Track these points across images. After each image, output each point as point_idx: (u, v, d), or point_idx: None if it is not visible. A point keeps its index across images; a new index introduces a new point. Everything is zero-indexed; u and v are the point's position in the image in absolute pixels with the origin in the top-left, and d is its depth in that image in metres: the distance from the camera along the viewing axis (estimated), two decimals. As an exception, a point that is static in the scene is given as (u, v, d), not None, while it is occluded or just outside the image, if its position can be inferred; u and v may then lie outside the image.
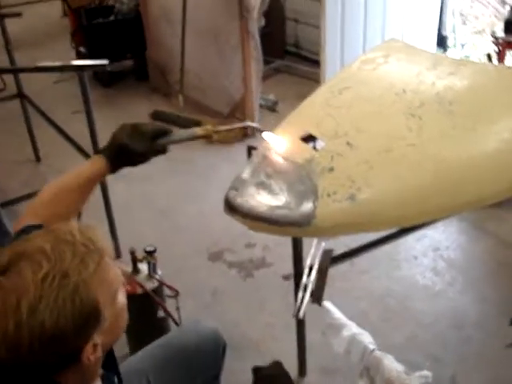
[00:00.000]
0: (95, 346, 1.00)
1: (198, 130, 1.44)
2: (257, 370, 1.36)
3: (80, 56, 4.85)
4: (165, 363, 1.55)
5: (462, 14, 4.50)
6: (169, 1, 4.25)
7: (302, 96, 1.89)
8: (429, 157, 1.48)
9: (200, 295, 2.61)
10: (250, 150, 1.69)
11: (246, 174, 1.51)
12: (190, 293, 2.47)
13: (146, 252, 2.17)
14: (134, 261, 2.17)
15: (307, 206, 1.38)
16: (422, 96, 1.64)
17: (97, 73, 4.75)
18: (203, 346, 1.59)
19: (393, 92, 1.67)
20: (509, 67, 2.61)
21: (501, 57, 3.23)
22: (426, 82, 1.71)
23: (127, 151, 1.35)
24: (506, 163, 1.56)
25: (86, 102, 2.56)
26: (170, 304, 2.19)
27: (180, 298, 2.19)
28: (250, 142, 3.61)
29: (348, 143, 1.49)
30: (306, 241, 1.85)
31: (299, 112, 1.73)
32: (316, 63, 4.08)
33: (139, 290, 2.10)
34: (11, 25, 3.53)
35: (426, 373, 1.59)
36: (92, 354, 0.99)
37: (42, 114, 3.36)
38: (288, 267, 2.07)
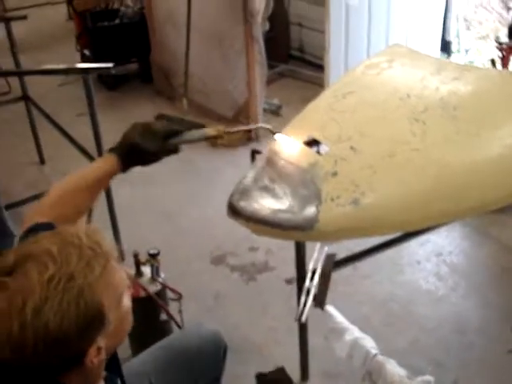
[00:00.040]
0: (99, 349, 1.00)
1: (209, 131, 1.44)
2: (260, 376, 1.36)
3: (85, 59, 4.88)
4: (167, 365, 1.55)
5: (466, 20, 4.50)
6: (174, 5, 4.26)
7: (306, 100, 1.89)
8: (432, 162, 1.48)
9: (203, 298, 2.61)
10: (254, 153, 1.69)
11: (249, 178, 1.51)
12: (192, 296, 2.47)
13: (149, 255, 2.17)
14: (138, 264, 2.17)
15: (310, 210, 1.38)
16: (425, 101, 1.64)
17: (101, 76, 4.76)
18: (205, 348, 1.59)
19: (397, 97, 1.68)
20: (513, 73, 2.61)
21: (505, 62, 3.23)
22: (429, 87, 1.71)
23: (138, 150, 1.35)
24: (509, 169, 1.57)
25: (91, 104, 2.57)
26: (172, 307, 2.19)
27: (183, 301, 2.19)
28: (254, 145, 3.61)
29: (352, 148, 1.49)
30: (308, 245, 1.85)
31: (303, 116, 1.74)
32: (320, 68, 4.09)
33: (142, 293, 2.10)
34: (17, 28, 3.54)
35: (428, 378, 1.58)
36: (95, 357, 1.00)
37: (47, 116, 3.37)
38: (291, 271, 2.07)
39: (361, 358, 1.69)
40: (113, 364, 1.18)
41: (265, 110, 4.09)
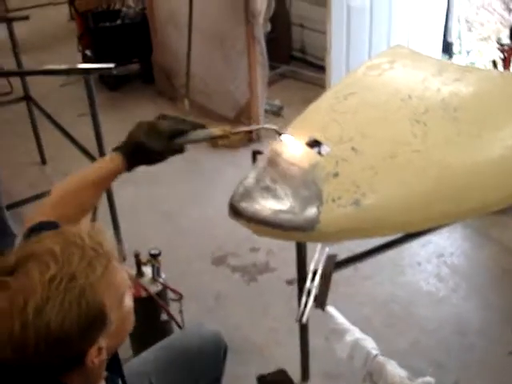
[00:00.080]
0: (100, 349, 1.00)
1: (215, 130, 1.43)
2: (261, 378, 1.36)
3: (86, 59, 4.88)
4: (167, 365, 1.55)
5: (467, 21, 4.50)
6: (175, 5, 4.26)
7: (307, 101, 1.90)
8: (433, 163, 1.49)
9: (203, 299, 2.61)
10: (255, 154, 1.69)
11: (250, 179, 1.51)
12: (193, 296, 2.48)
13: (150, 255, 2.17)
14: (139, 264, 2.17)
15: (311, 211, 1.38)
16: (427, 102, 1.64)
17: (103, 76, 4.76)
18: (205, 348, 1.59)
19: (398, 98, 1.68)
20: (514, 74, 2.61)
21: (506, 63, 3.23)
22: (431, 88, 1.71)
23: (144, 149, 1.34)
24: (510, 170, 1.57)
25: (92, 105, 2.57)
26: (173, 307, 2.19)
27: (183, 301, 2.19)
28: (256, 146, 3.61)
29: (353, 148, 1.49)
30: (309, 246, 1.85)
31: (304, 117, 1.74)
32: (321, 69, 4.09)
33: (143, 293, 2.11)
34: (18, 28, 3.55)
35: (428, 379, 1.58)
36: (96, 357, 1.00)
37: (48, 116, 3.38)
38: (292, 272, 2.07)
39: (361, 358, 1.69)
40: (114, 364, 1.18)
41: (266, 111, 4.09)
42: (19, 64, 3.44)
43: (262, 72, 3.83)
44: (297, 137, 1.58)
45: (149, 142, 1.34)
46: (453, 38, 4.45)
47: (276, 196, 1.45)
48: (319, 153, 1.53)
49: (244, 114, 3.98)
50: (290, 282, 2.63)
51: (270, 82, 4.18)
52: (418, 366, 2.16)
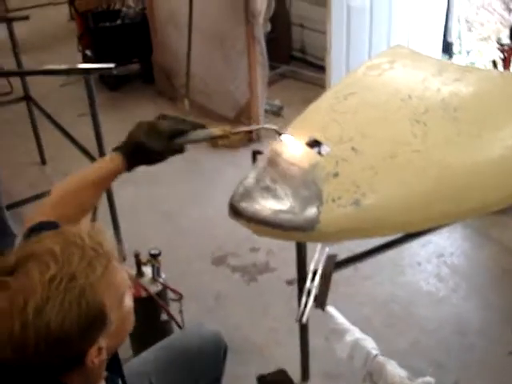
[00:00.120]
0: (100, 349, 1.00)
1: (215, 130, 1.43)
2: (261, 378, 1.36)
3: (86, 59, 4.88)
4: (167, 365, 1.55)
5: (467, 21, 4.50)
6: (175, 5, 4.27)
7: (307, 101, 1.89)
8: (433, 163, 1.49)
9: (203, 299, 2.61)
10: (255, 154, 1.69)
11: (250, 179, 1.51)
12: (193, 296, 2.48)
13: (150, 255, 2.17)
14: (139, 264, 2.17)
15: (311, 211, 1.38)
16: (427, 102, 1.65)
17: (103, 76, 4.77)
18: (205, 348, 1.59)
19: (398, 98, 1.68)
20: (514, 74, 2.61)
21: (506, 63, 3.23)
22: (431, 88, 1.71)
23: (144, 149, 1.34)
24: (510, 170, 1.57)
25: (92, 105, 2.57)
26: (173, 307, 2.19)
27: (183, 301, 2.19)
28: (256, 146, 3.61)
29: (353, 148, 1.49)
30: (309, 246, 1.85)
31: (304, 117, 1.74)
32: (321, 69, 4.09)
33: (143, 293, 2.11)
34: (18, 28, 3.55)
35: (428, 379, 1.58)
36: (96, 357, 1.00)
37: (48, 116, 3.38)
38: (292, 272, 2.07)
39: (361, 358, 1.69)
40: (114, 364, 1.18)
41: (266, 111, 4.09)
42: (19, 64, 3.44)
43: (262, 72, 3.83)
44: (297, 137, 1.58)
45: (149, 142, 1.34)
46: (453, 38, 4.45)
47: (276, 196, 1.45)
48: (319, 153, 1.53)
49: (244, 114, 3.98)
50: (290, 282, 2.63)
51: (270, 82, 4.18)
52: (418, 365, 2.16)
